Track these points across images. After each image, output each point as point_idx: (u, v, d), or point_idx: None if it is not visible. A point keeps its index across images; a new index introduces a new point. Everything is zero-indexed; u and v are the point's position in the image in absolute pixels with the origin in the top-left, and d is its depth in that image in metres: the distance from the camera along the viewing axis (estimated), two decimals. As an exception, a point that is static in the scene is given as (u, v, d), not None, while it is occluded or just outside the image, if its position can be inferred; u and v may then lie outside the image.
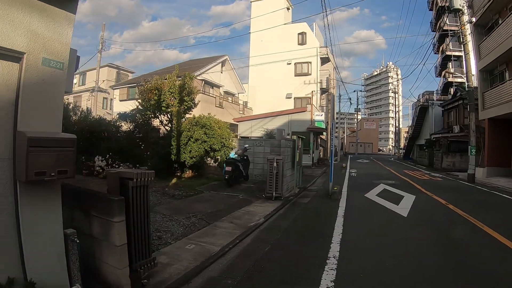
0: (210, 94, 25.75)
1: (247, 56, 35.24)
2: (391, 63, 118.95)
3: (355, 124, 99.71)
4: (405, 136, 76.83)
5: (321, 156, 30.37)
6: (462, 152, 24.32)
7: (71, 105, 12.81)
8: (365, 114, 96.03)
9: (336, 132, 50.49)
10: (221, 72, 30.27)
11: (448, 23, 34.30)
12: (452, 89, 35.30)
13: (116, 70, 38.08)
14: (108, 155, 11.75)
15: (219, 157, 13.02)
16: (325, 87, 32.95)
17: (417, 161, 32.71)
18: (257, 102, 32.39)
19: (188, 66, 26.60)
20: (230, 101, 29.76)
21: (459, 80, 33.87)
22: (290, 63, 33.17)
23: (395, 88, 57.21)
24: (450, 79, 35.83)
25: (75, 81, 33.52)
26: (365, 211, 8.74)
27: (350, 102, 42.67)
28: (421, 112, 36.92)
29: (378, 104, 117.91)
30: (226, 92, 30.59)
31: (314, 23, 34.86)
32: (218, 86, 28.60)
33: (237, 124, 24.49)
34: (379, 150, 79.79)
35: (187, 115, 13.98)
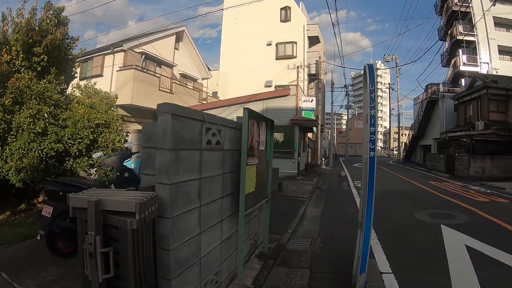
0: (150, 72, 18.56)
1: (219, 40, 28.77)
2: (379, 61, 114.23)
3: (342, 125, 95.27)
4: (394, 136, 71.68)
5: (309, 160, 23.30)
6: (493, 155, 19.49)
7: None
8: (355, 114, 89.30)
9: (324, 132, 43.82)
10: (177, 49, 22.97)
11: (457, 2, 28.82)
12: (463, 79, 30.55)
13: None
14: None
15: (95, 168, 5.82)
16: (314, 72, 26.03)
17: (426, 166, 26.10)
18: (230, 92, 25.43)
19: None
20: (191, 87, 22.56)
21: (471, 69, 29.29)
22: (270, 44, 26.56)
23: (388, 85, 50.42)
24: (462, 68, 30.55)
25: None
26: None
27: (347, 92, 35.16)
28: (428, 106, 30.73)
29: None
30: (184, 76, 23.35)
31: (300, -1, 28.02)
32: (170, 66, 21.25)
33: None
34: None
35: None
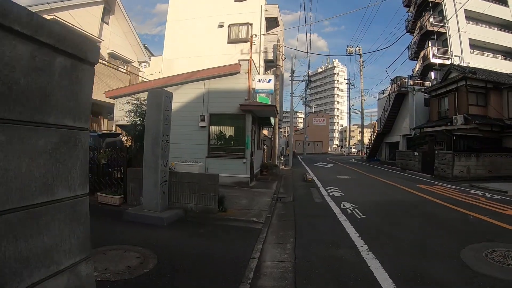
0: None
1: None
2: (336, 60, 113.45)
3: (298, 123, 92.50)
4: (352, 135, 70.02)
5: (266, 160, 19.41)
6: (478, 152, 17.26)
7: None
8: (312, 111, 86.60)
9: (281, 128, 40.08)
10: (106, 23, 18.48)
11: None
12: (433, 72, 29.69)
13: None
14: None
15: None
16: (271, 58, 22.15)
17: (397, 164, 23.24)
18: (174, 81, 21.00)
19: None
20: (124, 70, 18.14)
21: (442, 62, 28.34)
22: (222, 26, 22.38)
23: (348, 80, 47.75)
24: (432, 60, 29.07)
25: None
26: None
27: (308, 81, 31.88)
28: (396, 100, 28.03)
29: (322, 102, 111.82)
30: (114, 56, 18.87)
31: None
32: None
33: (113, 104, 13.03)
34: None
35: None
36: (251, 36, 14.84)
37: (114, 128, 13.88)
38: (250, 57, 12.75)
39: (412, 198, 10.02)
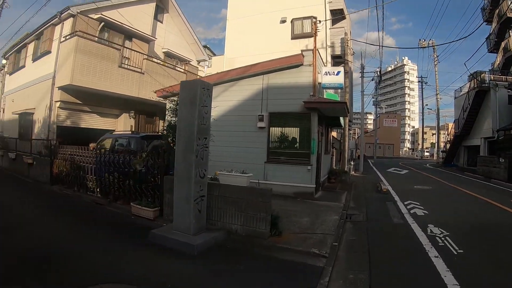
0: (107, 42, 13.98)
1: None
2: (406, 58, 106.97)
3: (367, 125, 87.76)
4: (424, 137, 64.92)
5: (335, 166, 17.64)
6: None
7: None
8: (383, 112, 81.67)
9: (351, 130, 37.59)
10: (160, 22, 18.02)
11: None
12: None
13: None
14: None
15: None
16: (339, 53, 20.39)
17: (477, 172, 20.33)
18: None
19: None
20: (182, 69, 17.67)
21: None
22: (284, 21, 21.13)
23: (420, 78, 43.26)
24: None
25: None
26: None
27: (380, 79, 29.49)
28: (476, 98, 24.63)
29: (392, 102, 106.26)
30: (170, 55, 18.34)
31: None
32: (146, 39, 16.15)
33: (165, 103, 12.31)
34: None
35: None
36: (314, 23, 13.25)
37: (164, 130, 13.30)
38: (315, 46, 11.15)
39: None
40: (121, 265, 4.32)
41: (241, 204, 5.63)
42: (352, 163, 21.57)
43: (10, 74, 19.68)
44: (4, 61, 21.43)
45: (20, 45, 17.96)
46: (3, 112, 19.75)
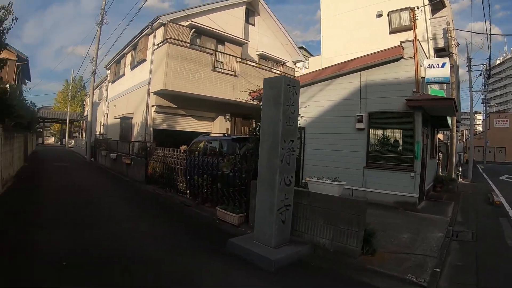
0: (199, 47, 14.43)
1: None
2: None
3: (476, 126, 79.17)
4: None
5: (441, 172, 15.87)
6: None
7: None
8: (493, 111, 72.81)
9: (458, 132, 33.99)
10: (252, 25, 18.12)
11: None
12: None
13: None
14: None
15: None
16: (442, 46, 18.48)
17: None
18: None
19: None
20: (278, 71, 17.86)
21: None
22: (381, 15, 19.84)
23: None
24: None
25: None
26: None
27: (489, 75, 26.03)
28: None
29: (503, 100, 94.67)
30: (263, 57, 18.36)
31: None
32: (239, 43, 16.29)
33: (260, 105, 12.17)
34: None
35: None
36: (412, 10, 12.02)
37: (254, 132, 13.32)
38: (415, 36, 10.01)
39: None
40: (193, 275, 4.13)
41: (331, 216, 5.10)
42: (460, 168, 19.40)
43: (112, 82, 21.97)
44: (107, 72, 23.91)
45: (119, 55, 19.83)
46: (107, 117, 22.11)
